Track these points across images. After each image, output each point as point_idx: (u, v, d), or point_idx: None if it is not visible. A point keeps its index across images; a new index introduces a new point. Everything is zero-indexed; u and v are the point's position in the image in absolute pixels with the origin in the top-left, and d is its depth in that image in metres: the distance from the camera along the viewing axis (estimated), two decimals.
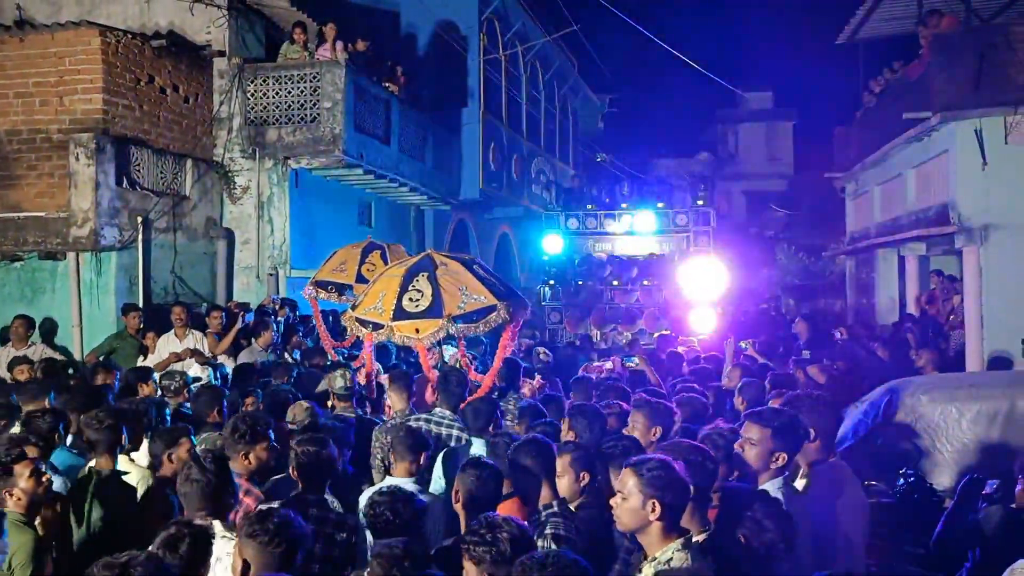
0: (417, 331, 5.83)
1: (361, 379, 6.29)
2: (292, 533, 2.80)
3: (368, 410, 6.16)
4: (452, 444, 5.08)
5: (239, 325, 8.77)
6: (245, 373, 7.24)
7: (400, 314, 5.87)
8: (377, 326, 5.97)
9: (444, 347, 7.56)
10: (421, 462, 4.29)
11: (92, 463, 4.36)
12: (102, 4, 11.18)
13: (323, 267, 8.80)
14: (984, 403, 5.69)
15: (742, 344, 8.95)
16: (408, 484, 3.99)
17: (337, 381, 5.79)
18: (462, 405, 5.23)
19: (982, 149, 10.21)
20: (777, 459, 3.46)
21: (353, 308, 6.32)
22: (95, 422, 4.32)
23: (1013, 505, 4.13)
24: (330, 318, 9.22)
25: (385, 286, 6.17)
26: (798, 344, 9.60)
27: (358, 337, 6.58)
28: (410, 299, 5.89)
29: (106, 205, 9.12)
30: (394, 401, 5.65)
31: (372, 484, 4.55)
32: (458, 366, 7.22)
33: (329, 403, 5.92)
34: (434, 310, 5.81)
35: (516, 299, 6.17)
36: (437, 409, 5.34)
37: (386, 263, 8.14)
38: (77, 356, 9.04)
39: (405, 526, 3.22)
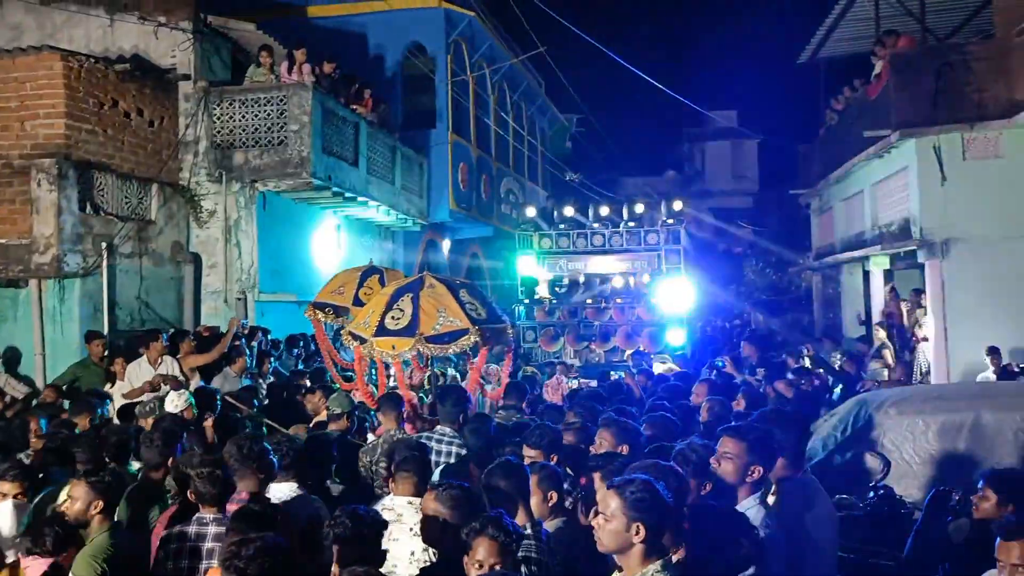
0: (394, 347, 6.27)
1: (357, 396, 6.72)
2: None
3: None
4: (452, 460, 5.21)
5: (229, 337, 8.71)
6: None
7: (381, 331, 6.31)
8: (362, 340, 6.43)
9: (441, 368, 7.81)
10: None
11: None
12: (64, 28, 11.08)
13: (323, 289, 8.93)
14: (949, 415, 5.77)
15: (718, 361, 8.97)
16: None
17: (334, 403, 6.22)
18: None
19: (941, 165, 10.43)
20: (753, 472, 3.49)
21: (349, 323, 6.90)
22: (148, 439, 4.82)
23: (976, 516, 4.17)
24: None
25: (376, 304, 6.68)
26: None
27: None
28: (392, 317, 6.35)
29: (69, 231, 8.98)
30: (384, 421, 5.81)
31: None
32: (462, 385, 7.42)
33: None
34: (411, 329, 6.24)
35: (495, 324, 6.58)
36: (438, 427, 5.54)
37: (383, 287, 8.34)
38: (40, 385, 8.85)
39: (365, 542, 3.19)
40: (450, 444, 5.33)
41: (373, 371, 7.64)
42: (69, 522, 3.92)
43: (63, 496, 4.41)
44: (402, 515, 3.80)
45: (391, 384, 7.38)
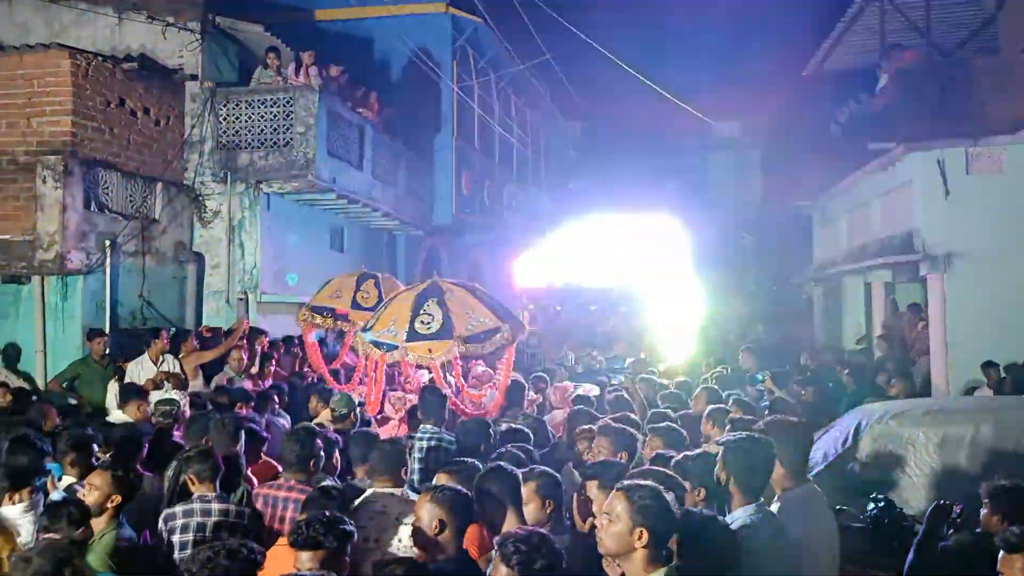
0: (430, 351, 6.47)
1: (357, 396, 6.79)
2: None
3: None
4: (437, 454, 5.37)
5: (236, 337, 8.78)
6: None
7: (413, 336, 6.51)
8: (391, 347, 6.58)
9: (420, 371, 7.91)
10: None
11: None
12: (72, 27, 11.11)
13: (319, 294, 9.10)
14: (950, 428, 5.77)
15: (759, 375, 8.78)
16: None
17: (339, 404, 6.32)
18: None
19: (944, 179, 10.43)
20: (728, 481, 3.51)
21: (365, 331, 6.95)
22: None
23: (979, 530, 4.17)
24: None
25: (397, 311, 6.81)
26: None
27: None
28: (422, 322, 6.55)
29: (73, 228, 8.99)
30: (424, 419, 5.91)
31: None
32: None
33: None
34: (445, 332, 6.46)
35: (516, 321, 6.91)
36: (422, 425, 5.70)
37: (380, 292, 8.64)
38: (40, 382, 8.85)
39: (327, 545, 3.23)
40: (431, 439, 5.52)
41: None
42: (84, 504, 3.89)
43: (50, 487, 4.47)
44: None
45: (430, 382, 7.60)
